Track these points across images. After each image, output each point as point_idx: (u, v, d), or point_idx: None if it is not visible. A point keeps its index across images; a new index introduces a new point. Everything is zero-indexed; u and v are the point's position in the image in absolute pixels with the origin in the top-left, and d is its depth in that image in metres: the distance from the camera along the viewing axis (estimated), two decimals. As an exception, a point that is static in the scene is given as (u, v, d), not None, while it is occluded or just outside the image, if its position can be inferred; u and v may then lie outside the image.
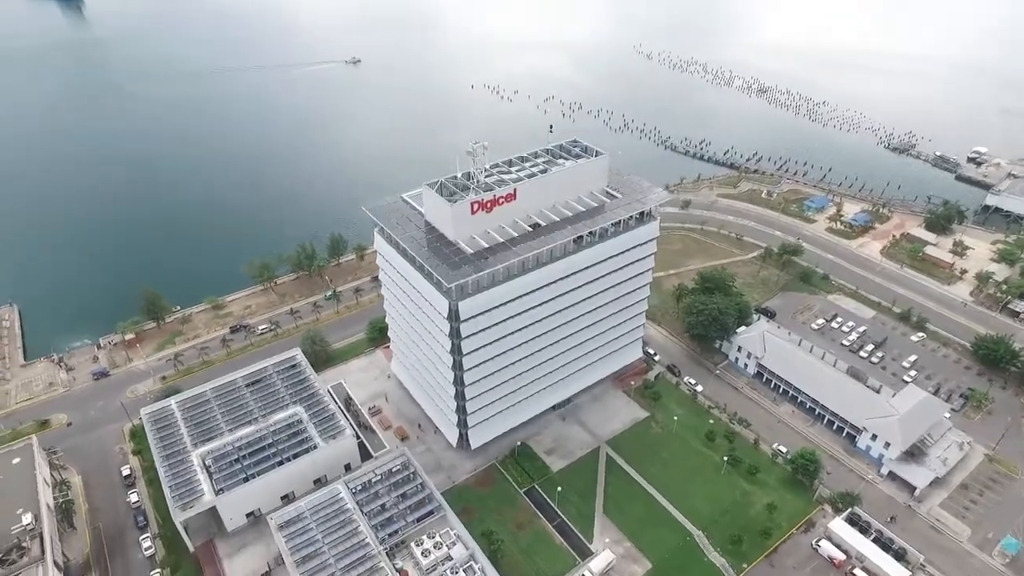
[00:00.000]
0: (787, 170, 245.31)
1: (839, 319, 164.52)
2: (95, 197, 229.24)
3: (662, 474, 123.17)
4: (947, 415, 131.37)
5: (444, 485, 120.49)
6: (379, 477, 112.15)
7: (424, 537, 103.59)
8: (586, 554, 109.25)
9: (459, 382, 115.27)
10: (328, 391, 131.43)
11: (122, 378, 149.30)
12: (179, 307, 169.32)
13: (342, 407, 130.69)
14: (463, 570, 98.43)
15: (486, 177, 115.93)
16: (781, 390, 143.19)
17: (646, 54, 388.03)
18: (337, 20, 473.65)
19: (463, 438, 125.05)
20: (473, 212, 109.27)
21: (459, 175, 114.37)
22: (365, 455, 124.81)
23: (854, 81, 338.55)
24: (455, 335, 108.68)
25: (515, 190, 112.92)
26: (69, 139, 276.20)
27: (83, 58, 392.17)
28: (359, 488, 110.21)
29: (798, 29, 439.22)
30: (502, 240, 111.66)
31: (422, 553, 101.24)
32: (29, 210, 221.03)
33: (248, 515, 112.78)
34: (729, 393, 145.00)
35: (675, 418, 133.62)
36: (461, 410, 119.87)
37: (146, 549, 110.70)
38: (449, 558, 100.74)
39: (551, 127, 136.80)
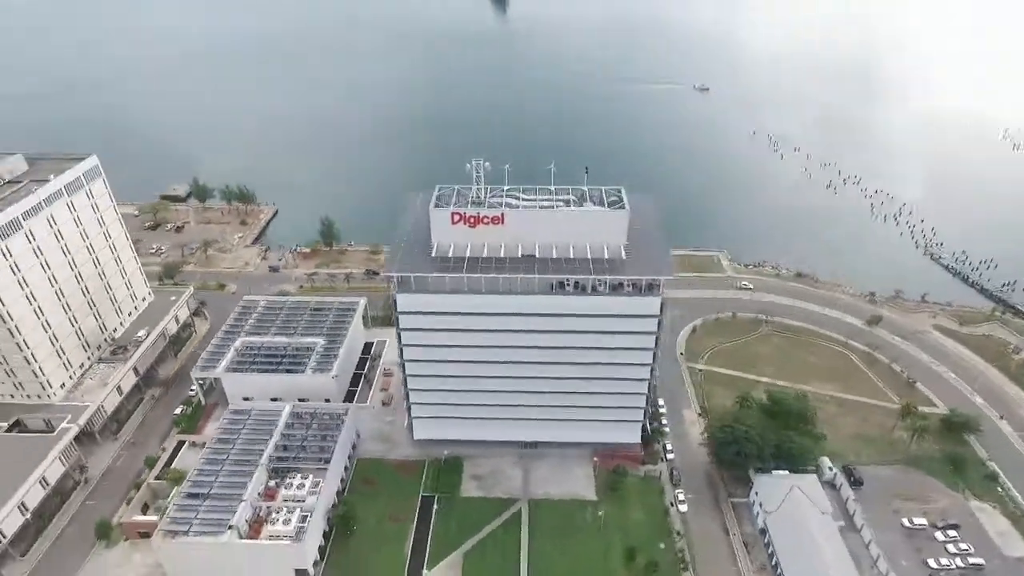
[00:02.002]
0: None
1: (955, 535, 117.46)
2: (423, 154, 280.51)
3: (549, 560, 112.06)
4: None
5: (373, 453, 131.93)
6: (318, 417, 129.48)
7: (302, 476, 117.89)
8: (413, 574, 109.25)
9: (403, 369, 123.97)
10: (372, 342, 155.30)
11: (282, 277, 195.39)
12: (352, 242, 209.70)
13: (369, 358, 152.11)
14: (296, 517, 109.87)
15: (492, 196, 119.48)
16: (775, 565, 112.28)
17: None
18: (693, 44, 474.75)
19: (410, 425, 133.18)
20: (454, 223, 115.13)
21: (477, 187, 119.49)
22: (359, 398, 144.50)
23: None
24: (396, 323, 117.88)
25: (503, 215, 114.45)
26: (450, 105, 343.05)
27: (496, 45, 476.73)
28: (298, 415, 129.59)
29: None
30: (471, 256, 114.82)
31: (291, 486, 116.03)
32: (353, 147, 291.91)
33: (244, 399, 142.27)
34: (715, 531, 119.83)
35: (600, 515, 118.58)
36: (406, 397, 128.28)
37: (191, 387, 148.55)
38: (300, 500, 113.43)
39: (586, 168, 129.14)
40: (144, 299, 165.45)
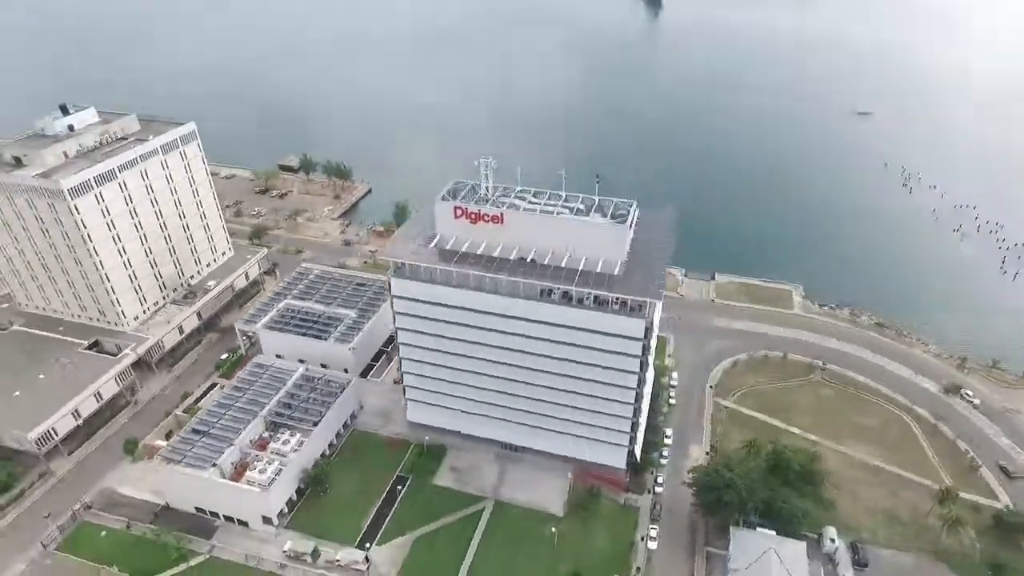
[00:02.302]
0: None
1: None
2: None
3: (492, 563, 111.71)
4: None
5: (368, 427, 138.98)
6: (323, 383, 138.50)
7: (290, 433, 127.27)
8: (363, 544, 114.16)
9: (399, 351, 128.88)
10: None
11: (351, 251, 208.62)
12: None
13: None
14: (272, 469, 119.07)
15: (499, 195, 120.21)
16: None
17: None
18: (868, 63, 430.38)
19: (406, 406, 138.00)
20: (456, 217, 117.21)
21: (485, 185, 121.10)
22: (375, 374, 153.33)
23: None
24: (392, 304, 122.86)
25: (502, 215, 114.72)
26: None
27: (640, 49, 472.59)
28: (308, 378, 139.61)
29: None
30: (467, 251, 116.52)
31: (279, 440, 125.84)
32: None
33: (277, 355, 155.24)
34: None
35: (553, 531, 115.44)
36: (402, 378, 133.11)
37: (240, 335, 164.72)
38: (283, 455, 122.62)
39: (597, 177, 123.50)
40: (224, 253, 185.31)
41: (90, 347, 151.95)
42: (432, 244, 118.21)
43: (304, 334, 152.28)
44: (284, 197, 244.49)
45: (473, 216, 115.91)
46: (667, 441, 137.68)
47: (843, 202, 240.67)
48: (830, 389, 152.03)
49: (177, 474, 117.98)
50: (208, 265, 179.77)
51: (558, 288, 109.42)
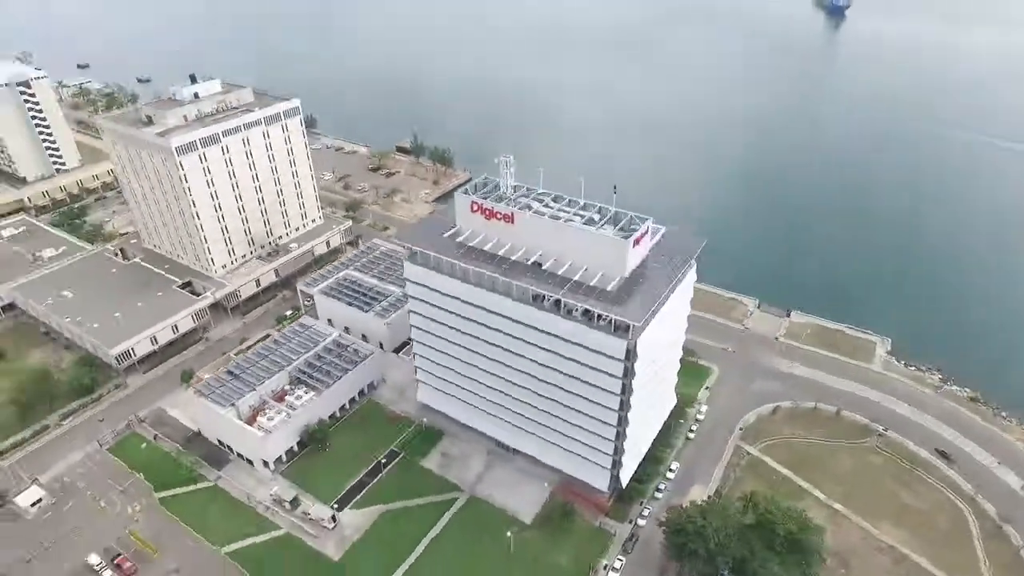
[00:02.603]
0: None
1: None
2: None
3: (443, 553, 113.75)
4: None
5: (381, 399, 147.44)
6: (350, 351, 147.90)
7: (306, 390, 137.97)
8: (340, 507, 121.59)
9: (411, 329, 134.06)
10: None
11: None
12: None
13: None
14: (279, 419, 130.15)
15: (519, 195, 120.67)
16: None
17: None
18: None
19: (417, 385, 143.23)
20: (472, 211, 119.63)
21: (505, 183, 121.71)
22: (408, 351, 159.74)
23: None
24: (406, 287, 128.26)
25: (513, 215, 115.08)
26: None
27: (814, 60, 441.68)
28: (338, 344, 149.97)
29: None
30: (474, 245, 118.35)
31: (294, 394, 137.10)
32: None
33: (328, 320, 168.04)
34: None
35: (508, 535, 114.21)
36: (414, 358, 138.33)
37: (301, 296, 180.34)
38: (294, 408, 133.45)
39: (615, 188, 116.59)
40: (314, 220, 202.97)
41: (183, 286, 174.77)
42: (447, 234, 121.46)
43: (350, 304, 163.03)
44: (390, 176, 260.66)
45: (487, 213, 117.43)
46: (669, 475, 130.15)
47: (965, 250, 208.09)
48: (880, 457, 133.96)
49: (202, 407, 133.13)
50: (297, 229, 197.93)
51: (549, 295, 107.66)
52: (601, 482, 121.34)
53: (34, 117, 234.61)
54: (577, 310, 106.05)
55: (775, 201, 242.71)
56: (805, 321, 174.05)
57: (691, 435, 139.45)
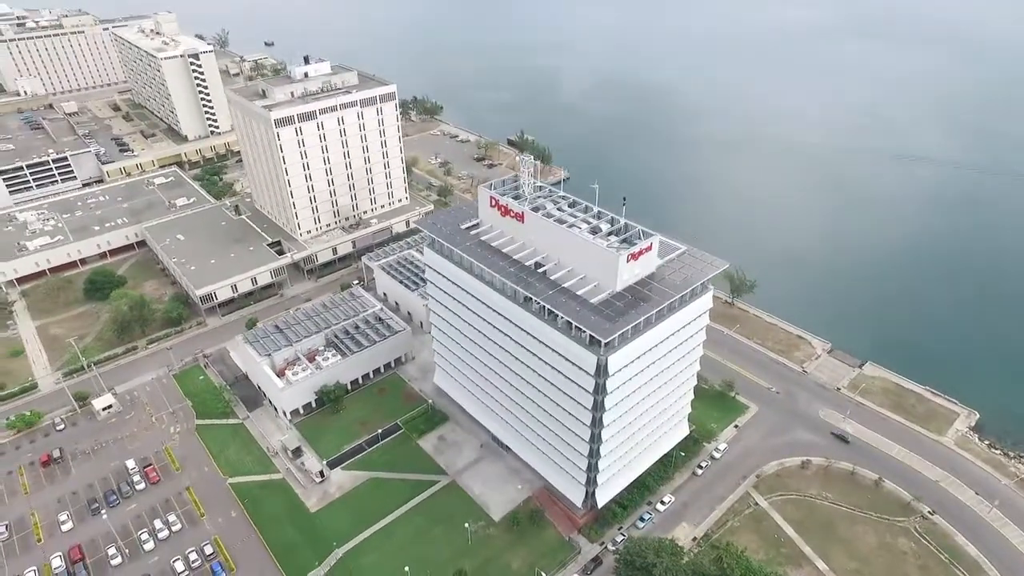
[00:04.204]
0: None
1: None
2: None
3: (404, 529, 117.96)
4: None
5: (405, 374, 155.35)
6: (386, 326, 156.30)
7: (334, 354, 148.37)
8: (332, 466, 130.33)
9: (429, 312, 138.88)
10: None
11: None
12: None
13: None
14: (302, 376, 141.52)
15: (537, 195, 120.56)
16: None
17: None
18: None
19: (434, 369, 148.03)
20: (491, 206, 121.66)
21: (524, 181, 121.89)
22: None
23: None
24: (425, 272, 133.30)
25: (523, 214, 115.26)
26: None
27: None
28: (377, 317, 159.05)
29: None
30: (486, 239, 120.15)
31: (322, 355, 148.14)
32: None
33: (383, 294, 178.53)
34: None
35: (466, 526, 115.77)
36: (432, 341, 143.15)
37: (364, 268, 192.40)
38: (319, 368, 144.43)
39: (624, 199, 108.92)
40: (400, 200, 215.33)
41: (271, 244, 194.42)
42: (467, 225, 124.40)
43: (401, 282, 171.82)
44: (492, 167, 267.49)
45: (503, 209, 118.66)
46: (659, 507, 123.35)
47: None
48: (913, 543, 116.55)
49: (244, 352, 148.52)
50: (382, 206, 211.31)
51: (535, 298, 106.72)
52: (576, 496, 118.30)
53: (199, 85, 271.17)
54: (561, 318, 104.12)
55: (880, 241, 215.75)
56: (879, 375, 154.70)
57: (699, 471, 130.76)
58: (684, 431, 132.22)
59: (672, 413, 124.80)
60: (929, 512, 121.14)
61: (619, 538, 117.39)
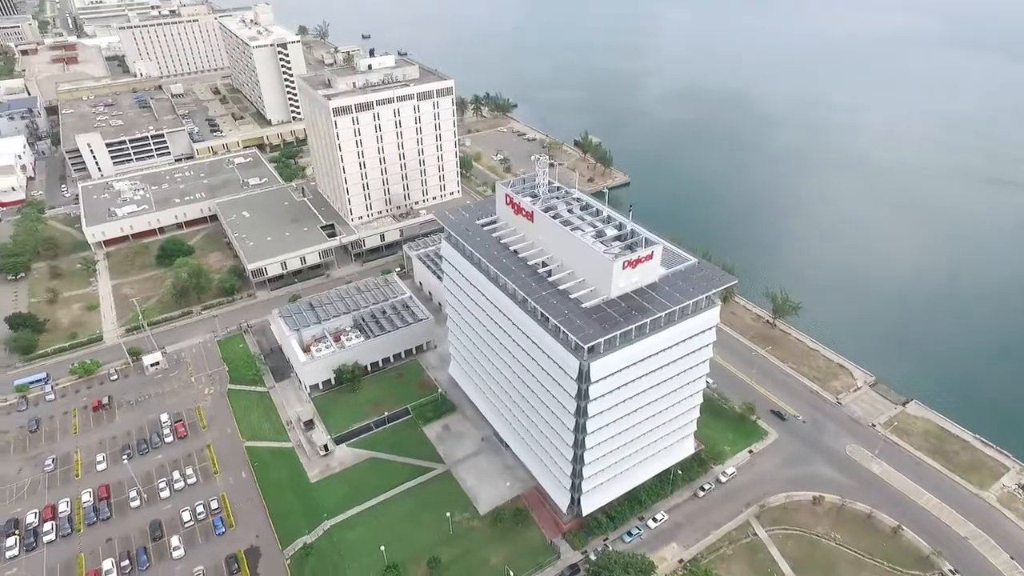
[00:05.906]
0: None
1: None
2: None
3: (393, 510, 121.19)
4: None
5: (424, 361, 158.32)
6: (411, 313, 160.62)
7: (358, 335, 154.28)
8: (338, 442, 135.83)
9: (445, 303, 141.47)
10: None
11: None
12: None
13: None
14: (324, 353, 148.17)
15: (551, 195, 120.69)
16: None
17: None
18: None
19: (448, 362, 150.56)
20: (506, 203, 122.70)
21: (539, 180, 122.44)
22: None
23: None
24: (442, 265, 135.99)
25: (532, 213, 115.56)
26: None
27: None
28: (404, 305, 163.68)
29: None
30: (498, 236, 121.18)
31: (346, 335, 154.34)
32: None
33: (419, 282, 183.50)
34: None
35: (448, 515, 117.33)
36: (448, 333, 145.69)
37: (404, 256, 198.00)
38: (342, 347, 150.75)
39: (630, 206, 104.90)
40: (452, 193, 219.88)
41: (325, 227, 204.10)
42: (483, 221, 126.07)
43: (434, 272, 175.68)
44: (553, 167, 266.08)
45: (515, 207, 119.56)
46: (651, 524, 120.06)
47: None
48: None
49: (278, 325, 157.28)
50: (433, 198, 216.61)
51: (528, 300, 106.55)
52: (562, 500, 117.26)
53: (284, 73, 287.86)
54: (550, 320, 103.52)
55: (951, 271, 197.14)
56: (923, 415, 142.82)
57: (701, 493, 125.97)
58: (688, 449, 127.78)
59: (672, 429, 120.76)
60: (950, 571, 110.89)
61: (601, 548, 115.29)
